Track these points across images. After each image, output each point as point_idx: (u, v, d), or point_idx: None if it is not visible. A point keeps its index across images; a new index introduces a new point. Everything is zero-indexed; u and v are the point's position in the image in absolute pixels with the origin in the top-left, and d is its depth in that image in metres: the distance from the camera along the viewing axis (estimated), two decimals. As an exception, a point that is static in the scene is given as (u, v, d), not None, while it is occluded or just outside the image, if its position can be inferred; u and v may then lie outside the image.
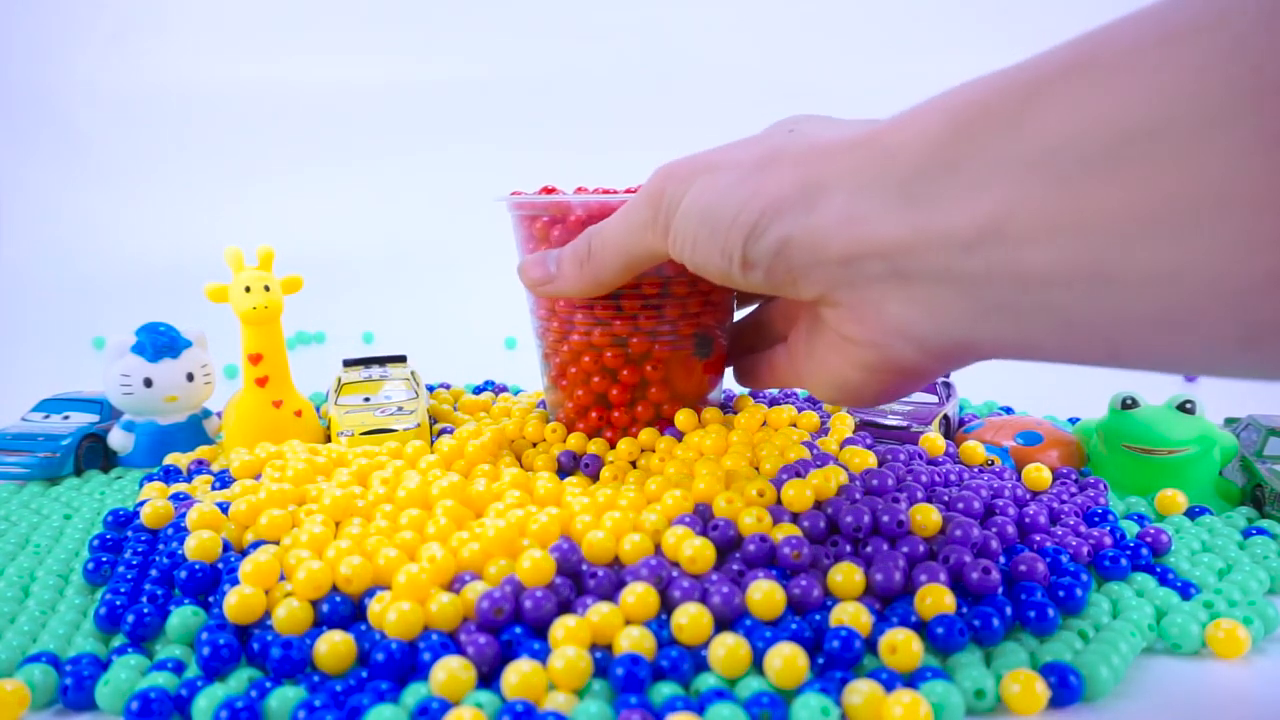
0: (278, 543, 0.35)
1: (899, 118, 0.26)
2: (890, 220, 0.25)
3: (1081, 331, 0.23)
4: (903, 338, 0.27)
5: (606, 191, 0.43)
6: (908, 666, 0.28)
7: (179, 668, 0.29)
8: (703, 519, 0.35)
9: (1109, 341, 0.23)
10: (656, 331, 0.41)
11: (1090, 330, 0.23)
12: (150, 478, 0.47)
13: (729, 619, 0.30)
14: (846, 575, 0.31)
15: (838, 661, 0.28)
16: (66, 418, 0.53)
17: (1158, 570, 0.36)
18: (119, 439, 0.52)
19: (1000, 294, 0.24)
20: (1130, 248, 0.21)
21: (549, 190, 0.44)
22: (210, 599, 0.33)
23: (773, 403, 0.63)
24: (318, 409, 0.57)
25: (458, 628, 0.30)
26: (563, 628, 0.28)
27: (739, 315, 0.45)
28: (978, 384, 0.66)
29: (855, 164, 0.26)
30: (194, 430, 0.53)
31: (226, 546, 0.36)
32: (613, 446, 0.44)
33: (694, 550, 0.32)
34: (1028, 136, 0.22)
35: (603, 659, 0.28)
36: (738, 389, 0.65)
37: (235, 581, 0.32)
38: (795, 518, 0.35)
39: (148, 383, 0.51)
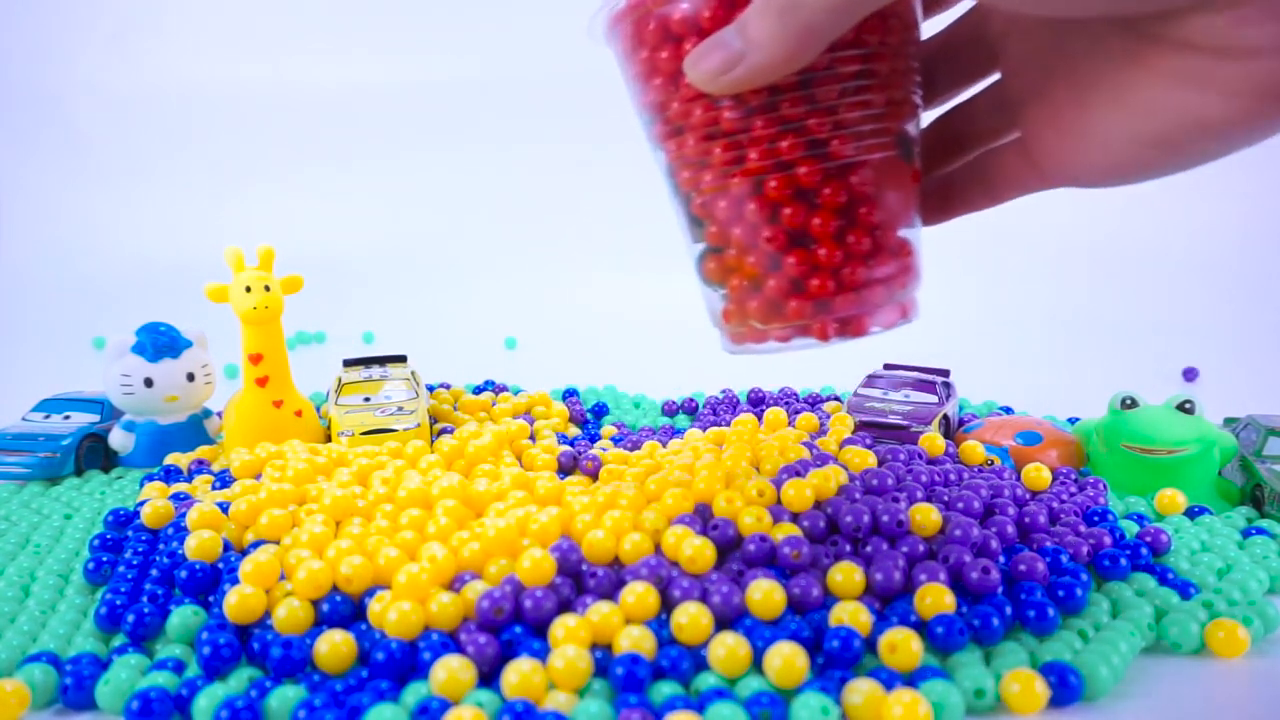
0: (278, 542, 0.35)
1: None
2: None
3: None
4: None
5: None
6: (907, 666, 0.28)
7: (179, 667, 0.29)
8: (703, 519, 0.35)
9: None
10: (860, 128, 0.31)
11: None
12: (150, 478, 0.47)
13: (729, 619, 0.30)
14: (846, 575, 0.31)
15: (838, 661, 0.28)
16: (67, 418, 0.53)
17: (1157, 570, 0.36)
18: (119, 439, 0.52)
19: None
20: None
21: None
22: (210, 599, 0.33)
23: (771, 403, 0.63)
24: (318, 409, 0.57)
25: (458, 627, 0.30)
26: (563, 627, 0.28)
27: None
28: (978, 384, 0.66)
29: None
30: (194, 430, 0.53)
31: (227, 546, 0.36)
32: (821, 297, 0.31)
33: (694, 550, 0.32)
34: None
35: (603, 659, 0.28)
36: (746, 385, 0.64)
37: (235, 581, 0.32)
38: (795, 518, 0.35)
39: (148, 383, 0.51)
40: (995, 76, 0.32)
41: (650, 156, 0.34)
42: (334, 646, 0.29)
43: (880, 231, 0.32)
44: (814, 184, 0.31)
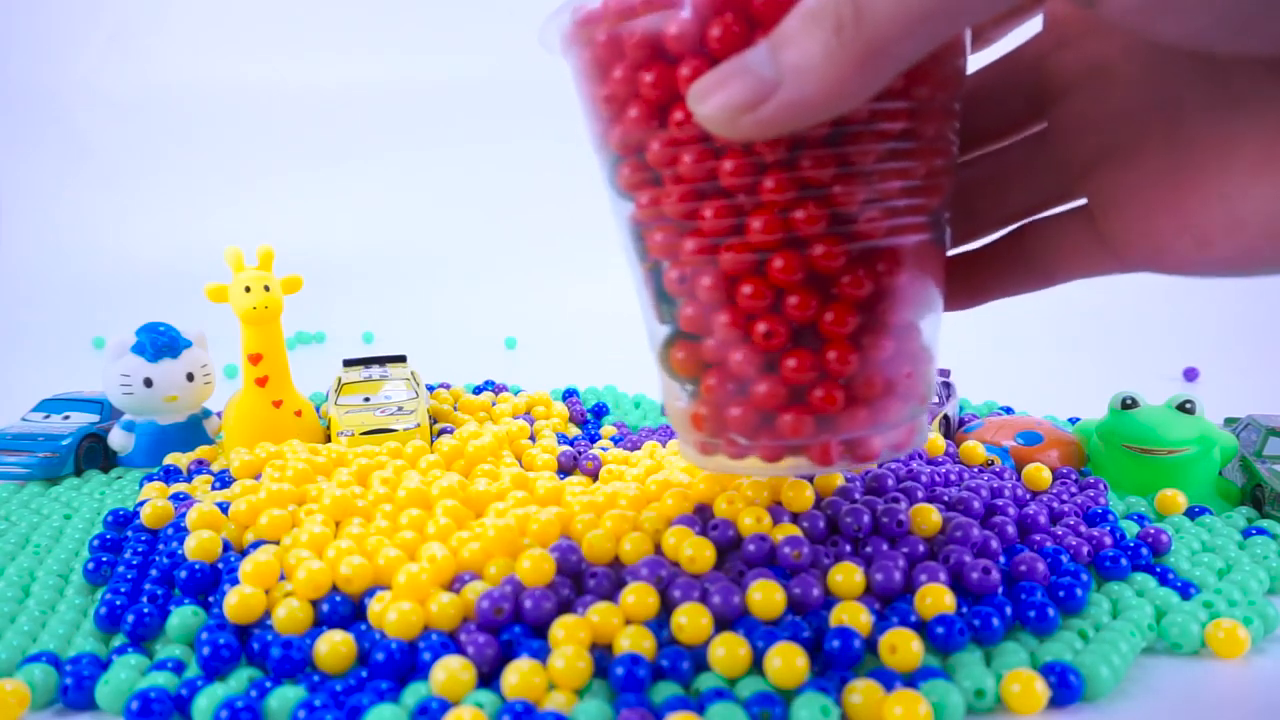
0: (278, 543, 0.35)
1: None
2: None
3: None
4: None
5: None
6: (908, 666, 0.28)
7: (179, 667, 0.29)
8: (702, 519, 0.35)
9: None
10: (895, 203, 0.24)
11: None
12: (150, 478, 0.47)
13: (729, 619, 0.30)
14: (846, 575, 0.31)
15: (838, 661, 0.28)
16: (67, 418, 0.53)
17: (1158, 570, 0.36)
18: (119, 439, 0.52)
19: None
20: None
21: None
22: (210, 599, 0.33)
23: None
24: (318, 409, 0.57)
25: (458, 627, 0.30)
26: (563, 627, 0.28)
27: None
28: (978, 384, 0.66)
29: None
30: (194, 430, 0.53)
31: (226, 546, 0.36)
32: (826, 412, 0.25)
33: (694, 550, 0.32)
34: None
35: (603, 659, 0.28)
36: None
37: (235, 581, 0.32)
38: (795, 518, 0.35)
39: (148, 383, 0.51)
40: (1036, 128, 0.26)
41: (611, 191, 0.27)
42: (334, 647, 0.29)
43: (903, 333, 0.26)
44: (832, 269, 0.24)
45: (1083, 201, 0.26)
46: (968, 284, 0.28)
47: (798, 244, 0.24)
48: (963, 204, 0.27)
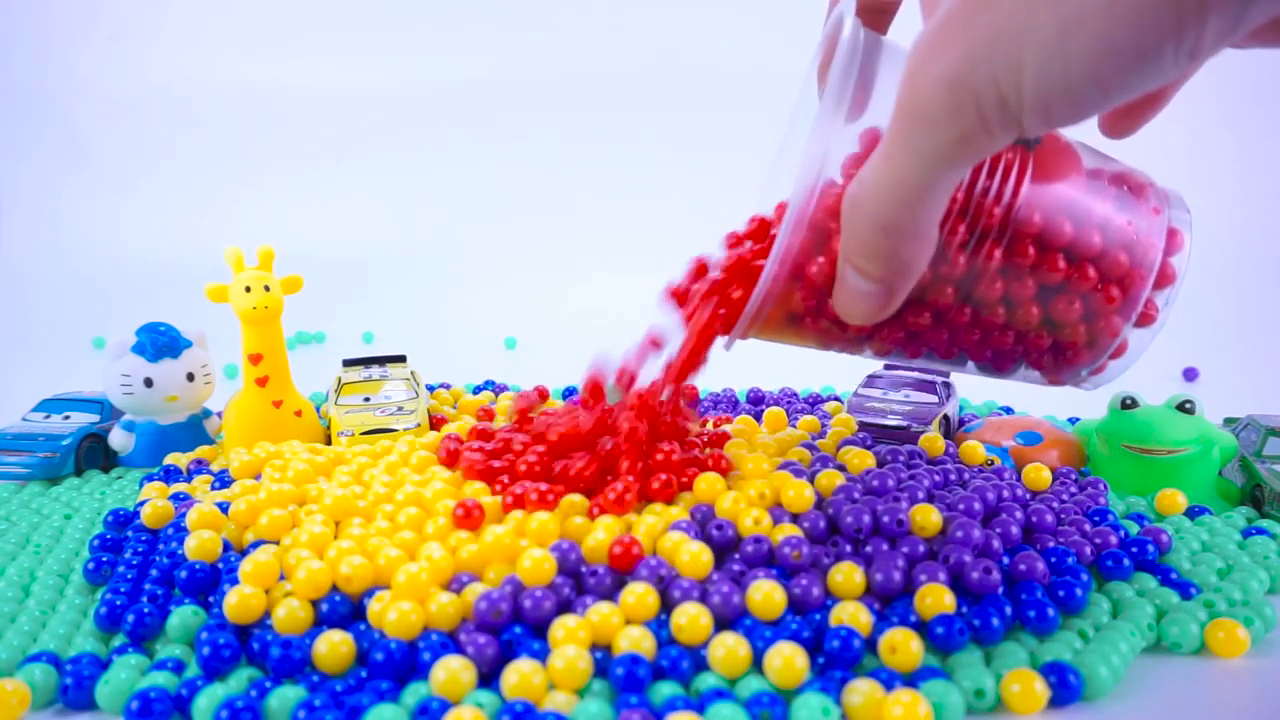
0: (278, 543, 0.35)
1: None
2: None
3: None
4: None
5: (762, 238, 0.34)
6: (908, 666, 0.28)
7: (179, 667, 0.29)
8: (703, 519, 0.35)
9: None
10: (985, 187, 0.29)
11: None
12: (150, 478, 0.47)
13: (729, 619, 0.30)
14: (846, 575, 0.31)
15: (838, 661, 0.28)
16: (67, 418, 0.53)
17: (1160, 570, 0.36)
18: (119, 439, 0.52)
19: None
20: None
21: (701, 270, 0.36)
22: (210, 599, 0.33)
23: (771, 403, 0.63)
24: (318, 409, 0.57)
25: (458, 628, 0.30)
26: (563, 628, 0.28)
27: None
28: (978, 384, 0.66)
29: None
30: (194, 430, 0.53)
31: (226, 546, 0.36)
32: (1113, 305, 0.31)
33: (691, 555, 0.32)
34: None
35: (603, 659, 0.28)
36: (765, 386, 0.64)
37: (235, 581, 0.32)
38: (795, 518, 0.35)
39: (148, 383, 0.51)
40: None
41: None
42: (333, 647, 0.29)
43: (1088, 212, 0.30)
44: (1006, 258, 0.30)
45: None
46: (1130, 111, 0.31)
47: (981, 272, 0.30)
48: None
